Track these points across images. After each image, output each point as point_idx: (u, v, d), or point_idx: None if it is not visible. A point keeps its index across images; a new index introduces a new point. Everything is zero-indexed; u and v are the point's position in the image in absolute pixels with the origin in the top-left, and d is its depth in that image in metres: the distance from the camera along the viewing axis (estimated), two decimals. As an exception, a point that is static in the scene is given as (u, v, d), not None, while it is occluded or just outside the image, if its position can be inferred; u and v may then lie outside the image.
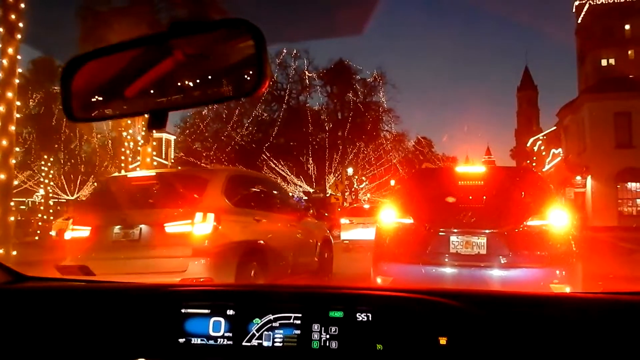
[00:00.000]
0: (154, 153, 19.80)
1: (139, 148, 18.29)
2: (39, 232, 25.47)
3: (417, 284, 1.94)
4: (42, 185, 28.88)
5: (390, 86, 38.56)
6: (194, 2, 19.32)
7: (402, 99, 70.15)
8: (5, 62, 13.03)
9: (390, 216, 5.13)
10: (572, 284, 4.44)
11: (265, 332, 1.41)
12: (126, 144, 18.31)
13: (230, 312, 1.44)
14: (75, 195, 30.76)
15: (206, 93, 1.23)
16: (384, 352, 1.34)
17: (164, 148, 41.94)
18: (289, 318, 1.41)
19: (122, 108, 1.28)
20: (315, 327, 1.39)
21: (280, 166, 34.06)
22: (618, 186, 32.85)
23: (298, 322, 1.41)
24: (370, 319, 1.36)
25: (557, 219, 4.74)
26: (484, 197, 5.16)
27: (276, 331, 1.41)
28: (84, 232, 5.84)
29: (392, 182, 35.76)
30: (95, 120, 1.43)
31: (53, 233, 25.43)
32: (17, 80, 13.59)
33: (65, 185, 30.66)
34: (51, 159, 28.59)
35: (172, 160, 40.26)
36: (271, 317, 1.42)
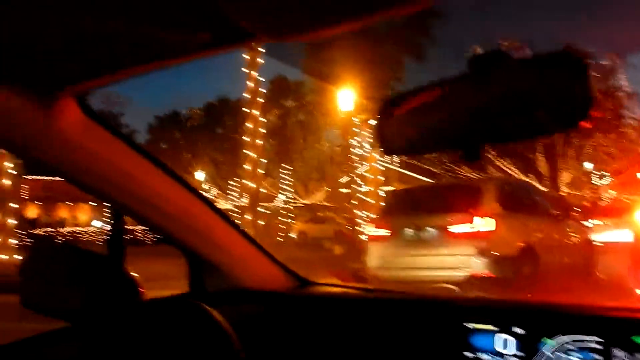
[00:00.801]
0: (381, 158, 20.52)
1: (365, 154, 19.14)
2: (281, 234, 28.27)
3: None
4: (281, 192, 32.01)
5: (631, 67, 34.05)
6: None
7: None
8: (251, 84, 14.84)
9: None
10: None
11: (557, 353, 1.30)
12: (352, 150, 19.31)
13: (517, 329, 1.37)
14: (310, 200, 33.38)
15: (522, 126, 1.18)
16: None
17: (388, 152, 43.18)
18: (585, 340, 1.28)
19: (434, 143, 1.33)
20: (618, 352, 1.23)
21: (505, 165, 32.47)
22: None
23: (597, 345, 1.26)
24: None
25: None
26: None
27: (571, 354, 1.29)
28: (383, 233, 7.31)
29: (640, 176, 31.42)
30: (410, 154, 1.53)
31: (293, 235, 27.99)
32: (260, 100, 15.38)
33: (300, 191, 33.51)
34: (290, 168, 31.58)
35: (398, 164, 41.29)
36: (565, 338, 1.30)
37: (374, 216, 8.94)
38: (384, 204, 9.52)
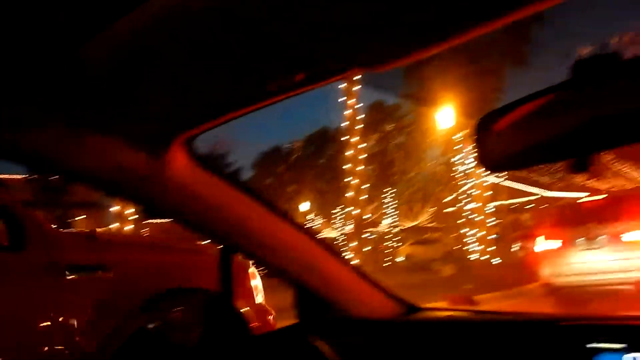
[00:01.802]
0: (485, 173, 19.85)
1: (469, 171, 18.61)
2: (387, 258, 27.99)
3: None
4: (385, 216, 31.78)
5: None
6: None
7: None
8: (349, 112, 15.06)
9: None
10: None
11: None
12: (454, 168, 18.84)
13: None
14: (415, 222, 32.86)
15: (633, 130, 1.11)
16: None
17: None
18: None
19: (537, 155, 1.27)
20: None
21: (624, 170, 30.13)
22: None
23: None
24: None
25: None
26: None
27: None
28: (555, 244, 8.22)
29: None
30: (510, 169, 1.49)
31: (401, 258, 27.59)
32: (359, 126, 15.55)
33: (405, 213, 33.09)
34: (392, 191, 31.38)
35: (502, 176, 39.74)
36: None
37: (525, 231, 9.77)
38: (548, 218, 10.47)
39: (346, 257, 1.68)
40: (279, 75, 0.88)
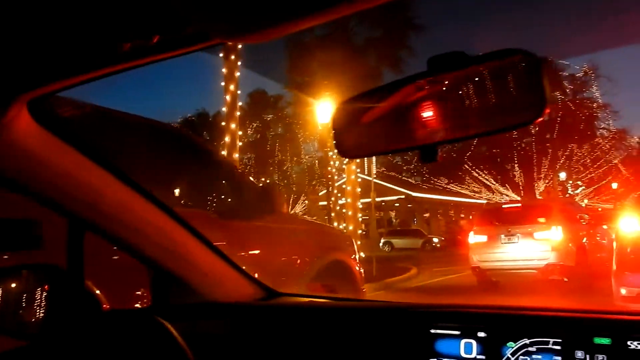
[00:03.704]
0: (358, 170, 20.56)
1: (344, 166, 19.18)
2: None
3: None
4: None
5: (605, 78, 34.68)
6: (389, 21, 19.72)
7: (620, 91, 62.43)
8: (228, 97, 14.81)
9: (634, 225, 5.24)
10: None
11: (522, 357, 1.31)
12: (332, 162, 19.32)
13: (481, 334, 1.37)
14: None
15: (477, 125, 1.19)
16: None
17: (366, 164, 43.38)
18: (547, 343, 1.30)
19: (390, 144, 1.34)
20: (579, 354, 1.25)
21: (483, 175, 32.84)
22: None
23: (558, 347, 1.28)
24: None
25: None
26: None
27: (533, 356, 1.30)
28: (483, 238, 10.46)
29: (615, 185, 31.95)
30: (366, 156, 1.56)
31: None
32: (238, 113, 15.36)
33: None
34: (267, 181, 31.49)
35: (375, 176, 41.57)
36: (527, 341, 1.32)
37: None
38: (477, 217, 12.68)
39: (209, 241, 1.65)
40: (131, 35, 0.81)
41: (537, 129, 34.35)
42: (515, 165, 33.16)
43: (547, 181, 32.39)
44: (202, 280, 1.65)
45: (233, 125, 15.06)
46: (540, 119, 1.07)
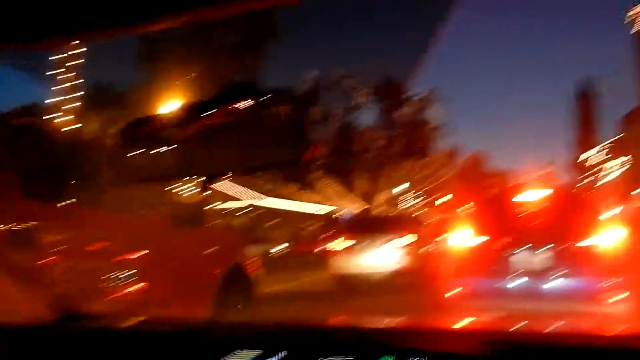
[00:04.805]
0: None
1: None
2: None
3: (481, 322, 1.95)
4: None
5: (442, 101, 37.87)
6: (249, 26, 19.48)
7: (455, 113, 68.93)
8: (61, 89, 13.56)
9: (463, 236, 5.87)
10: (623, 292, 5.01)
11: None
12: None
13: (282, 354, 1.31)
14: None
15: (246, 161, 1.22)
16: None
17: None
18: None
19: (172, 174, 1.33)
20: None
21: (330, 185, 33.91)
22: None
23: None
24: None
25: (608, 236, 5.33)
26: (545, 219, 5.75)
27: None
28: (344, 245, 11.25)
29: (445, 198, 34.75)
30: (147, 184, 1.56)
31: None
32: (73, 106, 14.13)
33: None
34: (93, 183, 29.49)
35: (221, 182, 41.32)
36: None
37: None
38: (340, 226, 13.84)
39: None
40: None
41: (382, 142, 36.45)
42: (360, 176, 34.77)
43: (388, 192, 34.38)
44: None
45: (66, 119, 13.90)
46: (305, 160, 1.11)
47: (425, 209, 36.34)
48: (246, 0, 0.81)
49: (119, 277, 3.32)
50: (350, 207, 34.65)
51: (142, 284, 3.29)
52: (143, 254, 3.42)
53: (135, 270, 3.29)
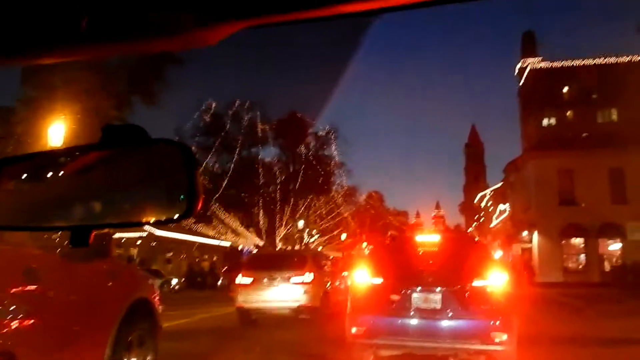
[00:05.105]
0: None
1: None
2: None
3: None
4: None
5: (343, 140, 38.69)
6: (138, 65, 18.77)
7: (354, 153, 70.80)
8: None
9: (363, 276, 6.09)
10: (509, 332, 5.41)
11: None
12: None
13: None
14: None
15: (132, 214, 1.12)
16: None
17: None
18: None
19: (43, 219, 1.19)
20: None
21: (230, 218, 33.32)
22: (563, 242, 33.51)
23: None
24: None
25: (496, 279, 5.71)
26: (439, 261, 6.12)
27: None
28: (248, 280, 11.66)
29: (344, 236, 35.35)
30: (16, 230, 1.48)
31: None
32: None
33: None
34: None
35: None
36: None
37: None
38: (246, 261, 14.67)
39: None
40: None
41: (282, 178, 36.57)
42: (260, 210, 34.48)
43: (287, 228, 34.31)
44: None
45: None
46: (193, 214, 1.02)
47: (326, 245, 36.72)
48: (164, 43, 0.78)
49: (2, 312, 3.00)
50: (250, 242, 34.18)
51: (29, 321, 2.99)
52: (31, 288, 3.12)
53: (21, 306, 2.98)
